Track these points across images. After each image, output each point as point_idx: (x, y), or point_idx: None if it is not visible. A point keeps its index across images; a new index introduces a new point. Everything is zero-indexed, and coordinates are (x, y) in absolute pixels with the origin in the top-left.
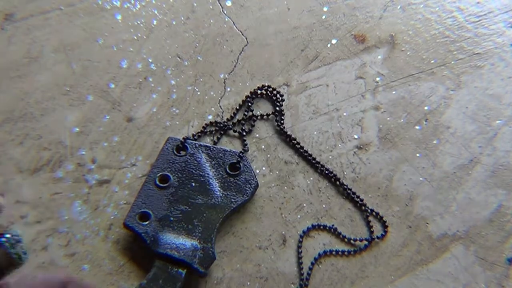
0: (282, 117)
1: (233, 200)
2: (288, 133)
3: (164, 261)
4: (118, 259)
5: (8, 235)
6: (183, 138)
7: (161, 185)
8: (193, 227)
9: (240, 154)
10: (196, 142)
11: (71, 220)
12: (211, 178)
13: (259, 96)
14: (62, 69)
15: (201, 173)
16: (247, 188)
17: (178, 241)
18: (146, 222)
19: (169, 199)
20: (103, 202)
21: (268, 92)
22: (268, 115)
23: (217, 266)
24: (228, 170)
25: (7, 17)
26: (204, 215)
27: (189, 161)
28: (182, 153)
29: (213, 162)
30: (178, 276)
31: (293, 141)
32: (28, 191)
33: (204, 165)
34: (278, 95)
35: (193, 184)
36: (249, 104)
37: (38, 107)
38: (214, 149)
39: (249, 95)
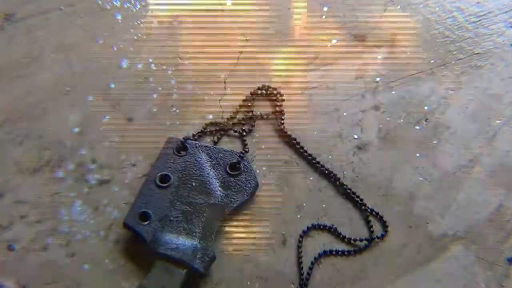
0: (282, 117)
1: (233, 200)
2: (288, 133)
3: (164, 261)
4: (118, 259)
5: None
6: (183, 138)
7: (162, 185)
8: (193, 227)
9: (241, 154)
10: (196, 142)
11: (71, 220)
12: (211, 178)
13: (259, 96)
14: (62, 69)
15: (201, 173)
16: (247, 188)
17: (178, 241)
18: (146, 222)
19: (169, 199)
20: (103, 202)
21: (268, 92)
22: (268, 115)
23: (217, 266)
24: (228, 170)
25: (7, 17)
26: (204, 215)
27: (189, 161)
28: (182, 153)
29: (213, 162)
30: (178, 276)
31: (293, 141)
32: (28, 191)
33: (204, 165)
34: (278, 95)
35: (193, 184)
36: (249, 104)
37: (38, 107)
38: (214, 149)
39: (249, 95)
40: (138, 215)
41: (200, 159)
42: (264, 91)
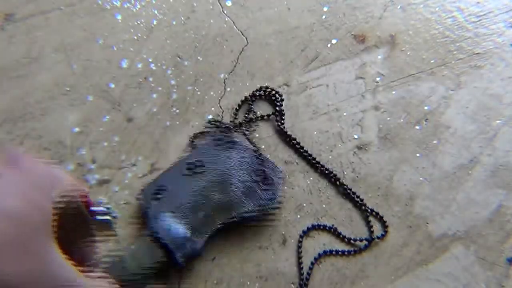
0: (282, 117)
1: (247, 210)
2: (288, 133)
3: (152, 239)
4: None
5: (109, 211)
6: (226, 127)
7: (188, 172)
8: (195, 219)
9: (280, 170)
10: (242, 142)
11: None
12: (237, 181)
13: (259, 96)
14: (62, 69)
15: (229, 172)
16: (266, 206)
17: (172, 226)
18: (158, 199)
19: (189, 186)
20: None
21: (268, 92)
22: (268, 115)
23: (217, 266)
24: (258, 179)
25: (7, 17)
26: (212, 212)
27: (223, 156)
28: (219, 146)
29: (249, 166)
30: (157, 259)
31: (293, 141)
32: None
33: (237, 166)
34: (278, 95)
35: (217, 180)
36: (250, 104)
37: (38, 107)
38: (259, 154)
39: (249, 95)
40: (154, 191)
41: (236, 158)
42: (264, 92)
